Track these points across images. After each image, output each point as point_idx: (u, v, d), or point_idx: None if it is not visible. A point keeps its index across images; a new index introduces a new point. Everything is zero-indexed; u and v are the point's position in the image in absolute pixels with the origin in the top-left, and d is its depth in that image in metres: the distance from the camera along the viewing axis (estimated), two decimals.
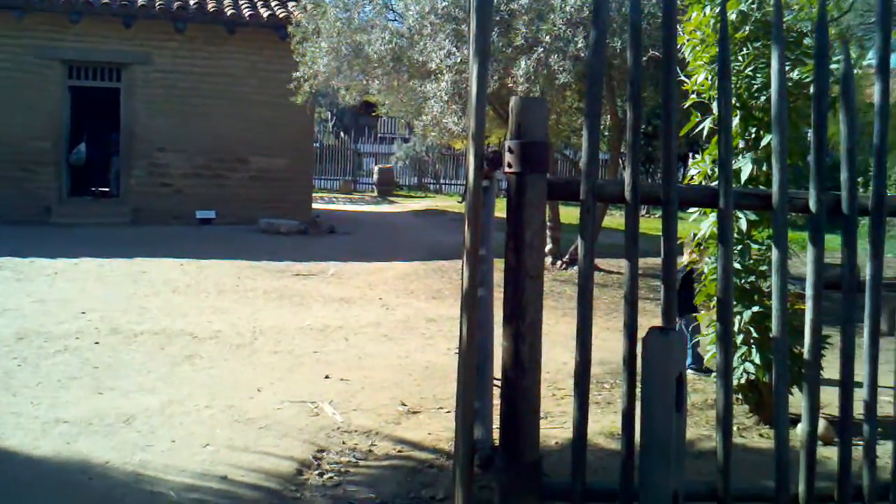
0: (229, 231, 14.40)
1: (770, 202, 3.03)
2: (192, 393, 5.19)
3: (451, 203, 24.73)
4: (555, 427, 4.75)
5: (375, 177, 27.98)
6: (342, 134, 32.22)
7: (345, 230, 15.60)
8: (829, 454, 3.80)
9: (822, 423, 4.20)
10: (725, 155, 3.00)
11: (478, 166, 2.98)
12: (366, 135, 33.28)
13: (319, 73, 11.10)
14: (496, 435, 3.32)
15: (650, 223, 19.06)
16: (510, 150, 2.85)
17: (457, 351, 6.55)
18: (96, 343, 6.35)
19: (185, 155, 15.44)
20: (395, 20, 10.98)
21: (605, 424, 4.80)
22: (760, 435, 4.75)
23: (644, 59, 8.34)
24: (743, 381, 4.80)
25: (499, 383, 3.45)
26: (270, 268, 10.78)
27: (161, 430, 4.50)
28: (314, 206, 17.79)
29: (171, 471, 3.95)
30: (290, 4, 15.15)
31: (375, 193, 27.44)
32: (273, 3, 15.59)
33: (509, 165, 2.86)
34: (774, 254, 3.01)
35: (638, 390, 2.85)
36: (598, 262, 12.16)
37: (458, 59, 9.23)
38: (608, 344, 5.89)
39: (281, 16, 14.87)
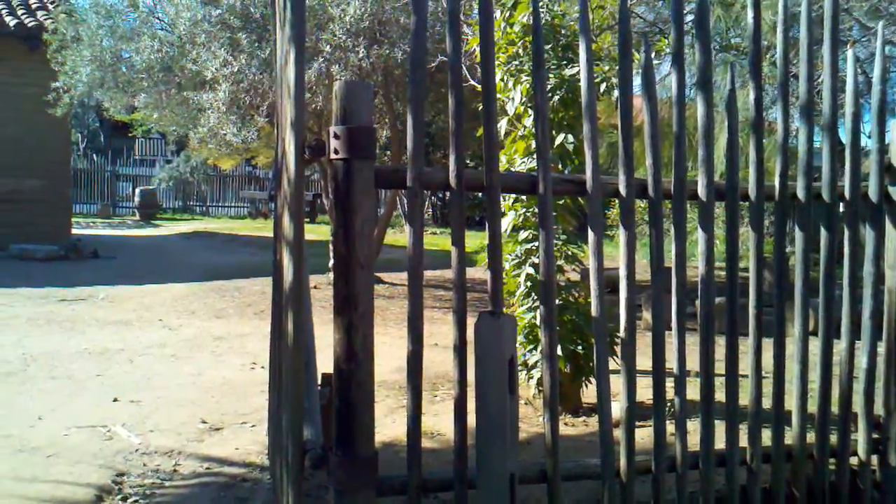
0: None
1: (585, 188, 3.14)
2: None
3: (219, 225, 24.02)
4: None
5: (137, 200, 26.58)
6: (95, 157, 30.37)
7: (109, 254, 14.68)
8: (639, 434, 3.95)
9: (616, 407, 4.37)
10: (543, 142, 3.06)
11: (299, 155, 2.86)
12: (124, 157, 31.57)
13: (81, 82, 10.37)
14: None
15: (433, 239, 19.45)
16: (336, 136, 2.76)
17: (252, 366, 6.37)
18: None
19: None
20: (164, 29, 10.48)
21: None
22: (565, 424, 4.91)
23: (435, 64, 8.51)
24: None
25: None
26: (31, 294, 9.91)
27: None
28: (73, 231, 16.62)
29: None
30: (40, 14, 14.10)
31: (138, 217, 26.08)
32: (21, 13, 14.40)
33: (336, 152, 2.76)
34: (591, 236, 3.10)
35: (470, 377, 2.86)
36: (382, 275, 12.27)
37: (236, 69, 8.95)
38: (405, 352, 5.86)
39: (30, 25, 13.78)
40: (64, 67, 10.70)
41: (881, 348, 3.57)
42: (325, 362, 3.24)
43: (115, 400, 5.33)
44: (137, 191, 27.04)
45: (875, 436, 3.62)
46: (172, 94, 10.59)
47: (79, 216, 24.50)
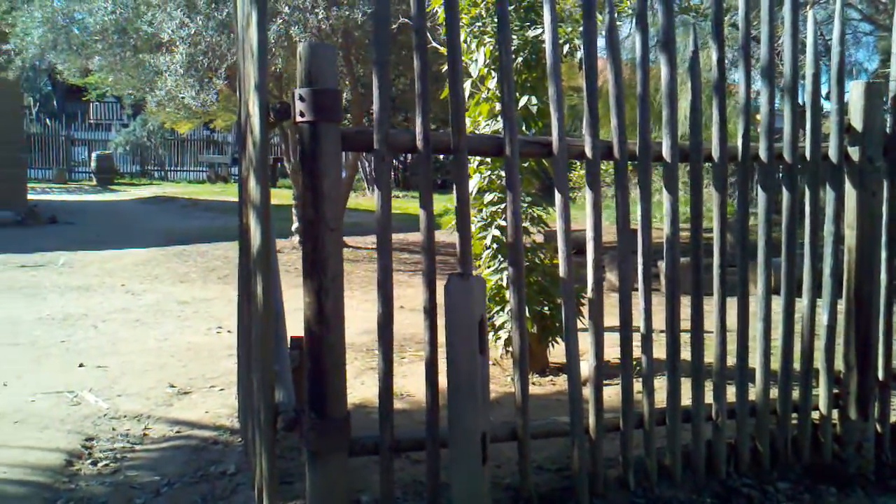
0: None
1: (551, 149, 3.15)
2: None
3: (179, 189, 23.75)
4: None
5: (93, 165, 26.14)
6: (48, 121, 29.73)
7: (68, 220, 14.50)
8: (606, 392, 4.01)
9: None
10: (509, 103, 3.07)
11: (264, 118, 2.83)
12: (78, 121, 30.95)
13: (33, 45, 10.13)
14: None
15: (395, 203, 19.33)
16: (301, 99, 2.74)
17: (218, 330, 6.34)
18: None
19: None
20: None
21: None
22: (532, 384, 4.97)
23: (396, 26, 8.45)
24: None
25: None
26: None
27: None
28: (29, 197, 16.32)
29: None
30: None
31: (95, 182, 25.67)
32: None
33: (301, 114, 2.74)
34: (558, 198, 3.12)
35: (440, 339, 2.87)
36: (346, 238, 12.22)
37: (192, 31, 8.81)
38: (371, 315, 5.88)
39: None
40: (14, 30, 10.45)
41: (841, 306, 3.64)
42: (292, 325, 3.25)
43: (80, 365, 5.29)
44: (94, 155, 26.58)
45: (835, 391, 3.71)
46: (128, 57, 10.39)
47: (34, 182, 24.05)
